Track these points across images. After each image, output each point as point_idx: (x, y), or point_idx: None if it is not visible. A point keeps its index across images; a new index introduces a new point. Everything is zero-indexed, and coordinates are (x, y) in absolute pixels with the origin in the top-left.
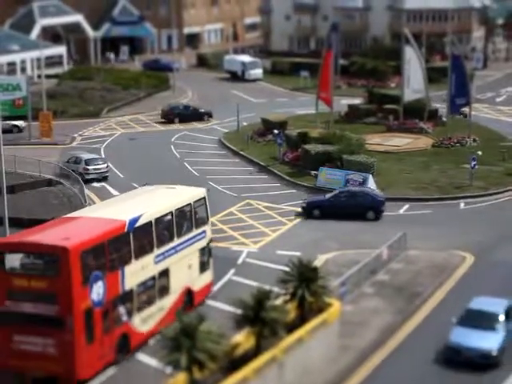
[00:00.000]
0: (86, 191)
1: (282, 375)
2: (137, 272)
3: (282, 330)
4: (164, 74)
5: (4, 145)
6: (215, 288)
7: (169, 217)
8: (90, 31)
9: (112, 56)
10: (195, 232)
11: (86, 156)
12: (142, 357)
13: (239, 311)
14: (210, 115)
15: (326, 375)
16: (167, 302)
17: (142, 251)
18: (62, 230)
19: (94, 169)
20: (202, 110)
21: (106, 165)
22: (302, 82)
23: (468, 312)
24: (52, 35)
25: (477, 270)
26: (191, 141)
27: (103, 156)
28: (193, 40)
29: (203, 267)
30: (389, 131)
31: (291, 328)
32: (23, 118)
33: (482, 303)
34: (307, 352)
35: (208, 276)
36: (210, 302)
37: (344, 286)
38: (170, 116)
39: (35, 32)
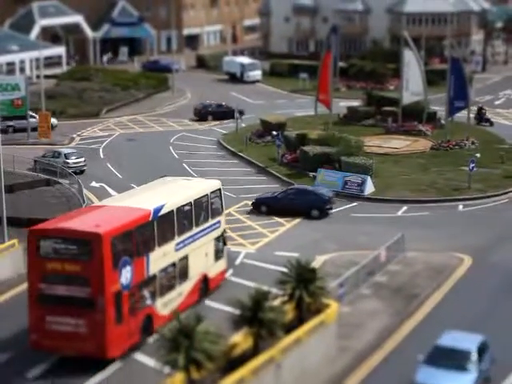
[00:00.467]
0: (85, 191)
1: (280, 376)
2: (159, 258)
3: (280, 330)
4: (163, 75)
5: (2, 144)
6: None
7: (188, 207)
8: (89, 32)
9: (104, 58)
10: (211, 222)
11: (65, 150)
12: (140, 356)
13: (237, 312)
14: (242, 113)
15: (323, 376)
16: (186, 288)
17: (164, 239)
18: (92, 218)
19: (74, 162)
20: (235, 108)
21: (83, 158)
22: (300, 84)
23: (436, 349)
24: (51, 36)
25: (475, 271)
26: (190, 142)
27: (102, 156)
28: (192, 41)
29: (218, 255)
30: (387, 133)
31: (289, 329)
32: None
33: (452, 339)
34: (305, 353)
35: (222, 264)
36: (208, 303)
37: (342, 288)
38: (204, 114)
39: (34, 32)
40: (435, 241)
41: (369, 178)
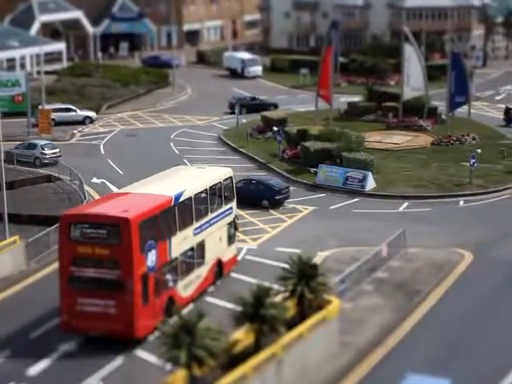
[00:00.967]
0: (86, 187)
1: (282, 372)
2: (180, 242)
3: (282, 326)
4: (163, 71)
5: (3, 141)
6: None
7: (204, 194)
8: (89, 27)
9: (100, 54)
10: (224, 208)
11: (40, 142)
12: (142, 353)
13: (239, 308)
14: (276, 106)
15: (325, 372)
16: (203, 271)
17: (184, 224)
18: (119, 204)
19: (51, 153)
20: (268, 102)
21: (58, 149)
22: (301, 80)
23: None
24: (51, 31)
25: (476, 267)
26: (190, 138)
27: (103, 152)
28: (192, 37)
29: (230, 240)
30: (388, 129)
31: (291, 325)
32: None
33: None
34: (307, 349)
35: (234, 249)
36: (210, 299)
37: (343, 284)
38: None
39: (35, 28)
40: (436, 237)
41: (370, 173)
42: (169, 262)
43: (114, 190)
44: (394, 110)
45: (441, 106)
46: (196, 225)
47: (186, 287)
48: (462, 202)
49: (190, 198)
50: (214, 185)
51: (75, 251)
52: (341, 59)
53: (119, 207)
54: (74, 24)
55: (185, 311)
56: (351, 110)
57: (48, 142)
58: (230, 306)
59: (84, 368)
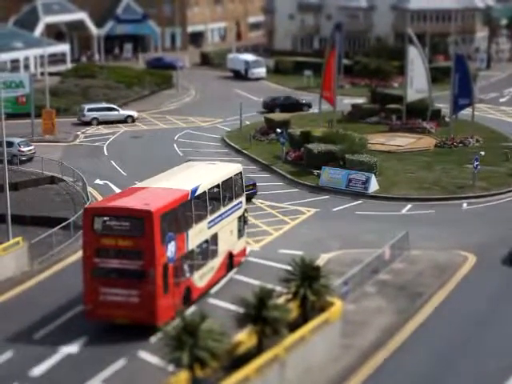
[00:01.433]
0: (89, 188)
1: (284, 374)
2: (196, 235)
3: (284, 328)
4: (167, 72)
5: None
6: (217, 287)
7: (217, 188)
8: (93, 29)
9: (97, 57)
10: (235, 202)
11: (16, 139)
12: (144, 354)
13: (241, 310)
14: (309, 106)
15: (327, 374)
16: (216, 263)
17: (199, 217)
18: (139, 197)
19: (28, 150)
20: (303, 101)
21: (33, 146)
22: (305, 82)
23: None
24: (55, 33)
25: (479, 270)
26: (194, 139)
27: (106, 154)
28: (196, 38)
29: (240, 233)
30: (392, 131)
31: (293, 327)
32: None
33: None
34: (309, 351)
35: (243, 242)
36: (212, 301)
37: (346, 286)
38: (272, 106)
39: (39, 29)
40: (439, 239)
41: (373, 175)
42: (186, 253)
43: (118, 191)
44: (398, 112)
45: (444, 108)
46: (210, 218)
47: (201, 278)
48: (465, 205)
49: (205, 192)
50: (226, 180)
51: (99, 243)
52: (345, 61)
53: (140, 200)
54: (78, 25)
55: (187, 313)
56: (355, 111)
57: (23, 139)
58: (232, 307)
59: (87, 369)
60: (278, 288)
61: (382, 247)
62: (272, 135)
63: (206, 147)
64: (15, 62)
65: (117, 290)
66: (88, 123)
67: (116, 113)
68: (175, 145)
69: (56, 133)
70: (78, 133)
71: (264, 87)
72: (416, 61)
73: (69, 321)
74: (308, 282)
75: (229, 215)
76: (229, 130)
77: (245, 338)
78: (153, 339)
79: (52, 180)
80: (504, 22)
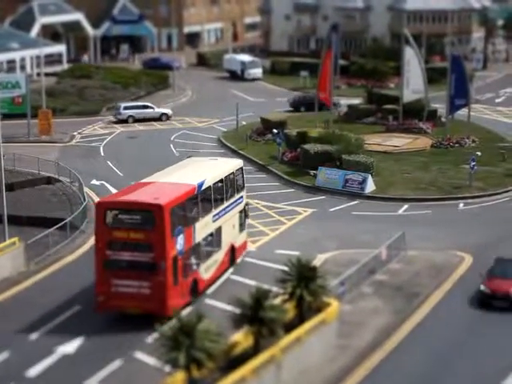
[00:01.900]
0: (85, 189)
1: (280, 374)
2: (202, 228)
3: (281, 329)
4: (164, 73)
5: (3, 142)
6: (213, 287)
7: (220, 183)
8: (89, 30)
9: (86, 58)
10: (237, 196)
11: None
12: (141, 355)
13: (238, 310)
14: (335, 105)
15: (324, 375)
16: (220, 256)
17: (205, 211)
18: (149, 192)
19: None
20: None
21: None
22: (301, 82)
23: None
24: (52, 33)
25: (475, 270)
26: (190, 140)
27: (102, 154)
28: (193, 39)
29: (241, 227)
30: (388, 131)
31: (289, 327)
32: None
33: None
34: (305, 351)
35: (244, 235)
36: (209, 301)
37: (343, 286)
38: (297, 105)
39: (35, 30)
40: (436, 239)
41: (369, 176)
42: (193, 246)
43: (114, 191)
44: (394, 112)
45: (441, 108)
46: (215, 212)
47: (206, 270)
48: (461, 205)
49: (210, 186)
50: (228, 175)
51: (110, 236)
52: (341, 62)
53: (150, 195)
54: (75, 26)
55: (184, 313)
56: (351, 112)
57: None
58: (228, 308)
59: (83, 369)
60: (275, 288)
61: (378, 247)
62: (268, 136)
63: (202, 147)
64: (11, 62)
65: (128, 282)
66: (124, 121)
67: (151, 110)
68: (172, 145)
69: (52, 133)
70: (75, 133)
71: (260, 88)
72: (412, 61)
73: (65, 321)
74: (304, 282)
75: (231, 209)
76: (225, 130)
77: (241, 338)
78: (149, 339)
79: (48, 180)
80: (500, 22)
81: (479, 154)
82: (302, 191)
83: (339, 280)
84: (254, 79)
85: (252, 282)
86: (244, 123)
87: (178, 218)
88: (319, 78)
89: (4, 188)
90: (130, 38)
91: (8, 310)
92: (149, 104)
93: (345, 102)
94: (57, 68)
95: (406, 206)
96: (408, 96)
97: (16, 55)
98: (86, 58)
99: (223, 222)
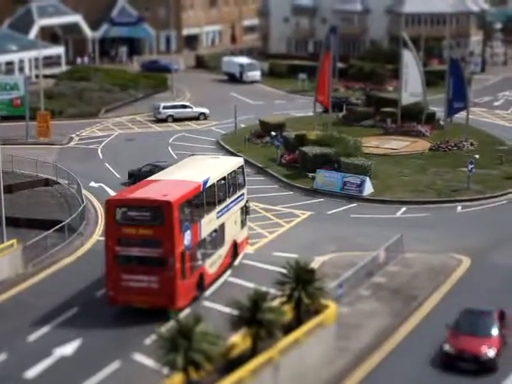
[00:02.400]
0: (84, 191)
1: (278, 376)
2: (207, 224)
3: (279, 331)
4: (162, 75)
5: (1, 144)
6: (211, 289)
7: (223, 180)
8: (88, 32)
9: (86, 59)
10: (238, 193)
11: None
12: (139, 357)
13: (236, 312)
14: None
15: (322, 377)
16: (223, 251)
17: (209, 207)
18: (157, 189)
19: None
20: (354, 100)
21: None
22: (299, 85)
23: None
24: (50, 35)
25: (473, 273)
26: (189, 142)
27: (101, 156)
28: (191, 41)
29: (243, 223)
30: (386, 134)
31: (287, 330)
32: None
33: None
34: (303, 354)
35: (245, 231)
36: (207, 303)
37: (341, 288)
38: (340, 105)
39: (33, 32)
40: (434, 242)
41: (368, 178)
42: (199, 241)
43: (112, 193)
44: (393, 115)
45: (439, 111)
46: (218, 208)
47: (211, 265)
48: (459, 208)
49: (214, 184)
50: (231, 172)
51: (120, 232)
52: (339, 64)
53: (158, 192)
54: (73, 28)
55: (182, 315)
56: (349, 115)
57: None
58: (226, 310)
59: (81, 371)
60: (273, 291)
61: (376, 250)
62: (267, 138)
63: (200, 150)
64: (10, 64)
65: (138, 277)
66: (163, 120)
67: (189, 110)
68: (170, 148)
69: (50, 135)
70: (73, 135)
71: (259, 90)
72: (410, 64)
73: (63, 323)
74: (302, 284)
75: (233, 206)
76: (224, 132)
77: (239, 340)
78: (147, 341)
79: (47, 182)
80: (498, 25)
81: (477, 156)
82: (300, 194)
83: (337, 282)
84: (252, 82)
85: (250, 284)
86: (243, 126)
87: (185, 214)
88: (318, 80)
89: (2, 190)
90: (129, 41)
91: (6, 312)
92: (187, 104)
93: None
94: (55, 70)
95: (404, 209)
96: (406, 99)
97: (14, 57)
98: (86, 59)
99: (226, 219)
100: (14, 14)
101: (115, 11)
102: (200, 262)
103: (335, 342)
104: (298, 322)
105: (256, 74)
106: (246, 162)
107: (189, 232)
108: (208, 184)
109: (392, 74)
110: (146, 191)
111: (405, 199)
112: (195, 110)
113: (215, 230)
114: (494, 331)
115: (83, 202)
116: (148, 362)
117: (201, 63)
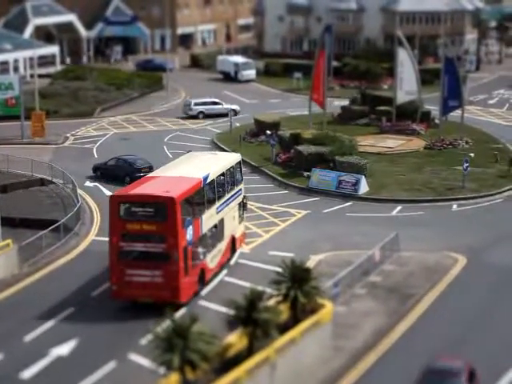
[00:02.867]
0: (79, 191)
1: (274, 376)
2: (207, 220)
3: (275, 330)
4: (157, 74)
5: None
6: (207, 289)
7: (222, 176)
8: (82, 31)
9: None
10: (236, 189)
11: None
12: (135, 357)
13: (232, 312)
14: None
15: (318, 376)
16: (223, 246)
17: (210, 203)
18: (159, 185)
19: None
20: None
21: None
22: (294, 84)
23: None
24: (45, 34)
25: (469, 271)
26: (184, 141)
27: (96, 156)
28: (186, 40)
29: (241, 218)
30: (381, 133)
31: (284, 329)
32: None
33: None
34: (299, 353)
35: (243, 226)
36: (203, 303)
37: (336, 287)
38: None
39: (28, 31)
40: (430, 240)
41: (363, 177)
42: (200, 236)
43: (107, 193)
44: (388, 113)
45: (434, 110)
46: (218, 204)
47: (212, 260)
48: (455, 206)
49: (213, 180)
50: (229, 168)
51: (124, 228)
52: (334, 63)
53: (161, 188)
54: (68, 27)
55: (178, 315)
56: (344, 113)
57: None
58: (223, 309)
59: (77, 371)
60: (269, 290)
61: (372, 249)
62: (262, 137)
63: (196, 149)
64: (4, 63)
65: (141, 272)
66: (194, 117)
67: (220, 106)
68: (165, 147)
69: (45, 135)
70: (68, 135)
71: (254, 89)
72: (405, 63)
73: (59, 323)
74: (298, 283)
75: (232, 201)
76: (219, 131)
77: (235, 340)
78: (143, 341)
79: (42, 182)
80: (493, 24)
81: (472, 155)
82: (295, 193)
83: (333, 281)
84: (247, 81)
85: (246, 284)
86: (238, 124)
87: (187, 210)
88: (313, 79)
89: None
90: (124, 40)
91: (2, 312)
92: (218, 100)
93: (338, 103)
94: (50, 69)
95: (399, 208)
96: (401, 97)
97: (9, 56)
98: (84, 58)
99: (225, 214)
100: (9, 13)
101: (110, 10)
102: (201, 257)
103: (331, 341)
104: (294, 321)
105: (251, 73)
106: (241, 160)
107: (191, 227)
108: (208, 180)
109: (387, 72)
110: (148, 187)
111: (400, 198)
112: (226, 107)
113: (215, 226)
114: None
115: (78, 201)
116: (144, 361)
117: (196, 62)
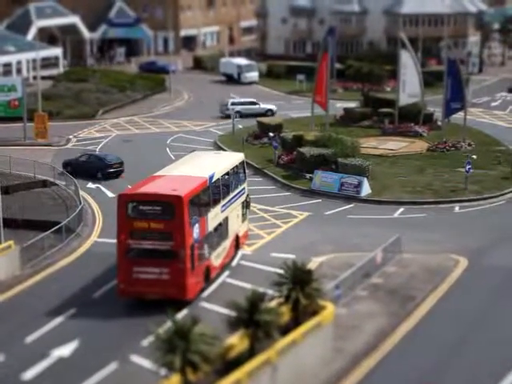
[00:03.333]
0: (81, 192)
1: (276, 378)
2: (213, 218)
3: (276, 332)
4: (160, 76)
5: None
6: (209, 290)
7: (227, 175)
8: (86, 33)
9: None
10: (240, 188)
11: None
12: (136, 358)
13: (233, 313)
14: None
15: (319, 378)
16: (227, 244)
17: (215, 202)
18: (166, 184)
19: None
20: None
21: None
22: (297, 86)
23: None
24: (48, 36)
25: (471, 273)
26: (186, 143)
27: None
28: (189, 42)
29: (244, 217)
30: (384, 135)
31: (285, 330)
32: None
33: None
34: (301, 355)
35: (246, 225)
36: (204, 304)
37: (338, 289)
38: None
39: (31, 33)
40: (431, 242)
41: (365, 179)
42: (206, 235)
43: (110, 195)
44: (390, 116)
45: (437, 112)
46: (223, 203)
47: (216, 258)
48: (457, 208)
49: (219, 178)
50: (233, 167)
51: (132, 226)
52: (337, 65)
53: (168, 187)
54: (71, 29)
55: (179, 316)
56: (347, 115)
57: None
58: (224, 311)
59: (79, 372)
60: (270, 291)
61: (373, 251)
62: (265, 139)
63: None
64: (7, 65)
65: (149, 269)
66: (229, 117)
67: (257, 106)
68: (168, 149)
69: (48, 136)
70: (71, 137)
71: (257, 91)
72: (408, 65)
73: (60, 324)
74: (300, 285)
75: (236, 200)
76: (221, 133)
77: (237, 341)
78: (145, 342)
79: (44, 184)
80: (496, 26)
81: (475, 157)
82: (298, 194)
83: (334, 283)
84: (250, 83)
85: (248, 285)
86: (240, 126)
87: (193, 208)
88: (316, 81)
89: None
90: (127, 42)
91: (3, 313)
92: (254, 100)
93: (340, 105)
94: (53, 71)
95: (401, 209)
96: (404, 99)
97: (12, 58)
98: (90, 60)
99: (229, 212)
100: (12, 15)
101: (113, 12)
102: (207, 255)
103: (333, 343)
104: (295, 322)
105: (254, 75)
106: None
107: (197, 225)
108: (214, 179)
109: (390, 74)
110: (155, 186)
111: (402, 200)
112: (262, 107)
113: (220, 224)
114: None
115: (81, 203)
116: (145, 363)
117: (199, 64)
